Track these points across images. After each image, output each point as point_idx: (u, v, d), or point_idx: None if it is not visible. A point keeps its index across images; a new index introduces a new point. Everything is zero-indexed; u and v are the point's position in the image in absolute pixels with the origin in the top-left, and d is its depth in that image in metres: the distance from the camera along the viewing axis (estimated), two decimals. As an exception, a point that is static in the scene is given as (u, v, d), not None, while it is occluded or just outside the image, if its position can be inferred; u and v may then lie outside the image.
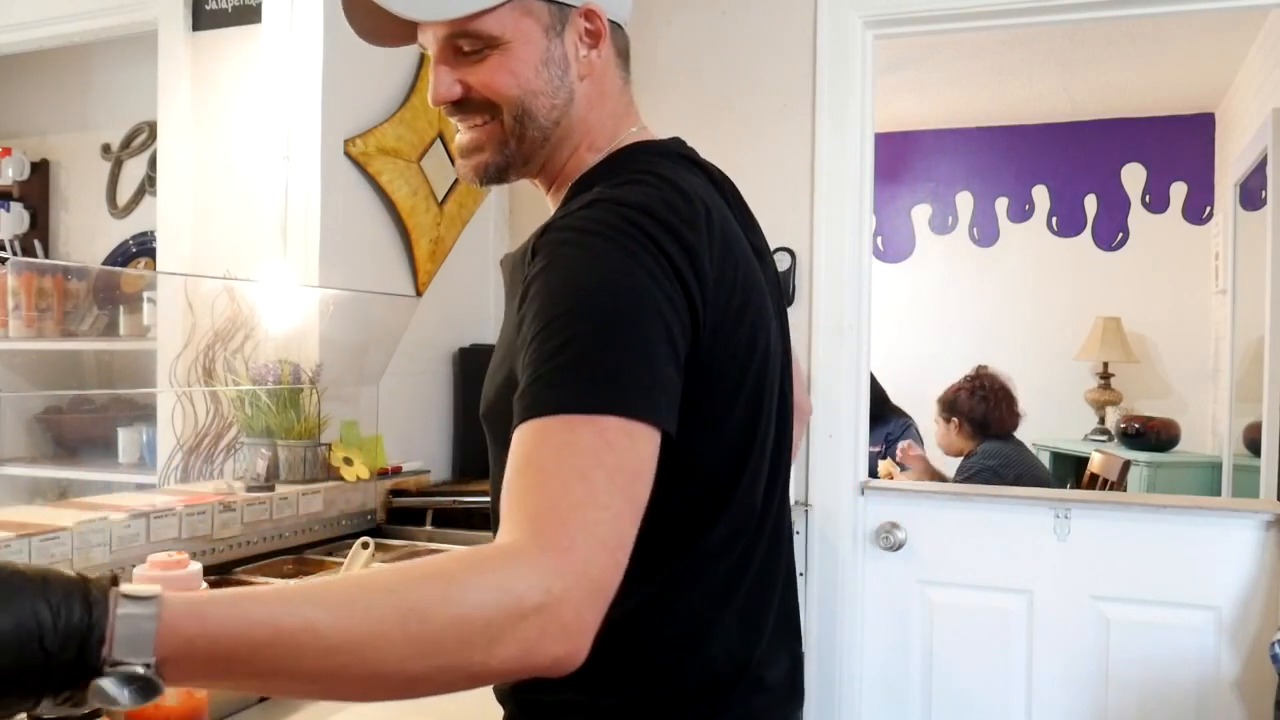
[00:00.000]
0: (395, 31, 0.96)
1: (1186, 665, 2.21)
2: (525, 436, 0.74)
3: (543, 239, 0.85)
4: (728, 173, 1.07)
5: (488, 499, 2.15)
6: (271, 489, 1.82)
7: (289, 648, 0.61)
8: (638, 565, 0.73)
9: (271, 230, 2.02)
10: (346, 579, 0.72)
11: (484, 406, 0.95)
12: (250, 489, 1.80)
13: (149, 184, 2.88)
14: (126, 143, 2.94)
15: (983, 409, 3.36)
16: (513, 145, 0.94)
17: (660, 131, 1.09)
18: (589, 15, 0.95)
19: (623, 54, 1.01)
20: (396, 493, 2.10)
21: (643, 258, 0.81)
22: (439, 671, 0.64)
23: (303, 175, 2.01)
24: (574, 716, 0.90)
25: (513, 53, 0.92)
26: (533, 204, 2.69)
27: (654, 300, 0.80)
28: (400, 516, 2.09)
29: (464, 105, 0.94)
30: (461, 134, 0.97)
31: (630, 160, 0.96)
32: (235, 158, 2.08)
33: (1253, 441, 3.22)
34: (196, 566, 1.13)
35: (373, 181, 2.14)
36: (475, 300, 2.62)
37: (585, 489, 0.71)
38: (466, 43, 0.92)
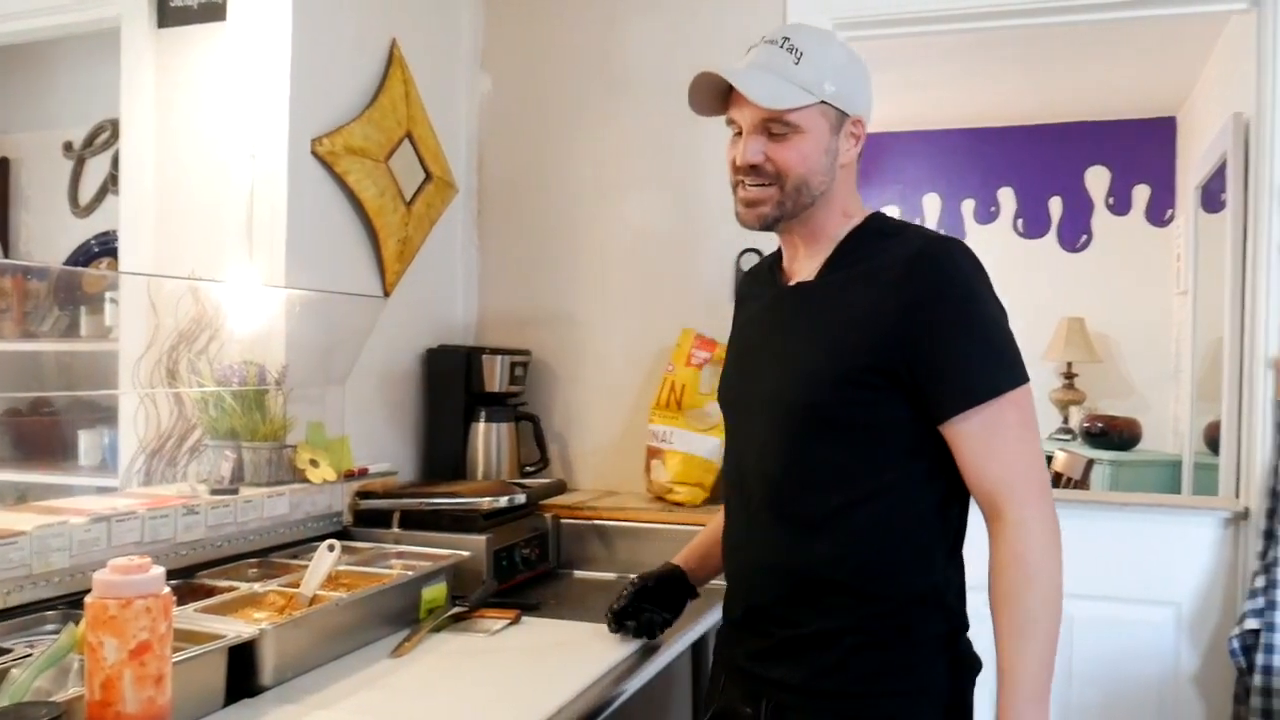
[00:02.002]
0: (716, 107, 1.30)
1: (1148, 660, 2.25)
2: (997, 416, 1.19)
3: (919, 268, 1.21)
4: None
5: (456, 500, 2.14)
6: (236, 492, 1.81)
7: (1048, 662, 1.17)
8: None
9: (237, 230, 2.00)
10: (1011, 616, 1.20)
11: (805, 396, 1.25)
12: (214, 492, 1.78)
13: (111, 183, 2.84)
14: (89, 141, 2.90)
15: None
16: (788, 205, 1.28)
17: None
18: (856, 124, 1.30)
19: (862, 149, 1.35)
20: (363, 495, 2.08)
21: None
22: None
23: (269, 174, 1.99)
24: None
25: (807, 140, 1.25)
26: (504, 209, 2.68)
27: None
28: (367, 519, 2.07)
29: (758, 170, 1.27)
30: (748, 190, 1.28)
31: (892, 220, 1.33)
32: (200, 156, 2.05)
33: (1212, 440, 3.27)
34: (159, 571, 1.11)
35: (340, 181, 2.12)
36: (443, 301, 2.61)
37: (1035, 442, 1.22)
38: (777, 126, 1.25)
